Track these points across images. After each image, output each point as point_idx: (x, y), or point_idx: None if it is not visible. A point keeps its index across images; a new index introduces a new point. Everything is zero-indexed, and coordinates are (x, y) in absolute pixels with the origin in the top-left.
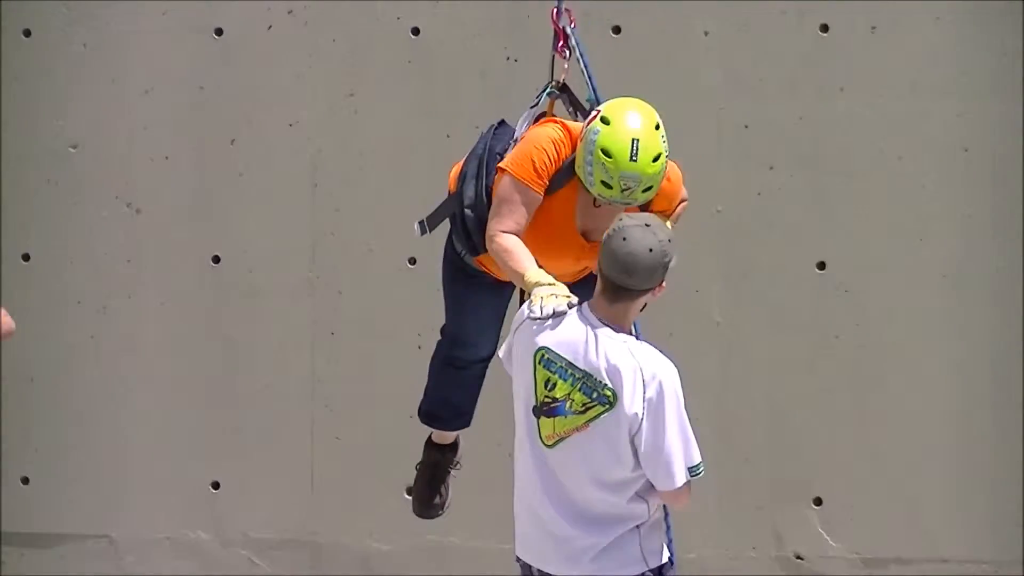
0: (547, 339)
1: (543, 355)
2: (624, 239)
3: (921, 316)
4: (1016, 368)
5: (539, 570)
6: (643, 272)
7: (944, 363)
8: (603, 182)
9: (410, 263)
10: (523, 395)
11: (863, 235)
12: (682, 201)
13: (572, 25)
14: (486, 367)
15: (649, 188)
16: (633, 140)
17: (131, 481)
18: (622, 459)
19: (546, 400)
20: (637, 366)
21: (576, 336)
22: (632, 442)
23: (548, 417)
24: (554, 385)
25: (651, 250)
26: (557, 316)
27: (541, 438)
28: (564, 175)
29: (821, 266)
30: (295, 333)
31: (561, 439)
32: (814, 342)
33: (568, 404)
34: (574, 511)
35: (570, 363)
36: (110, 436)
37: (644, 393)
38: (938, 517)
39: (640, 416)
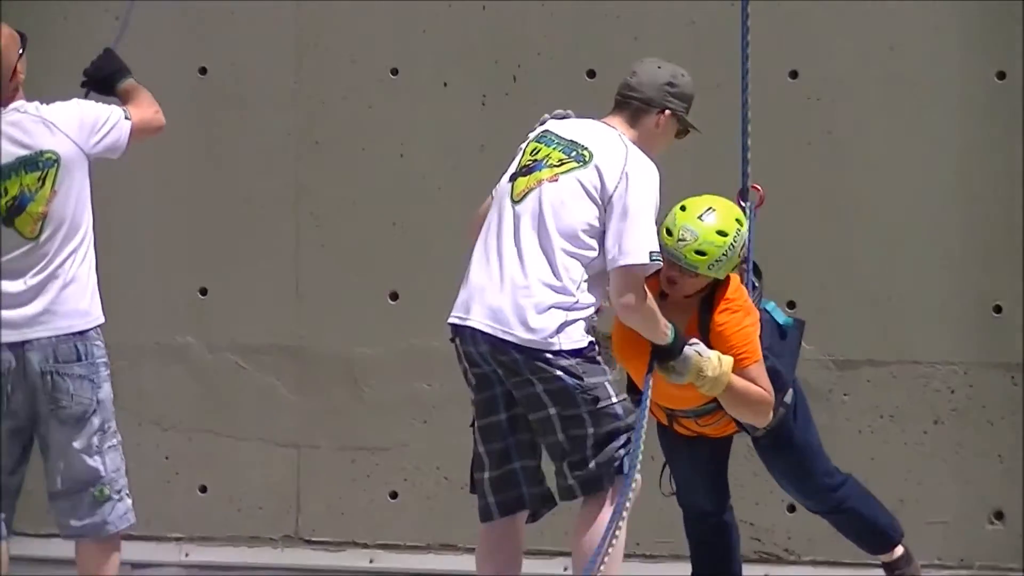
0: (550, 125)
1: (540, 134)
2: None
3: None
4: (982, 170)
5: (461, 332)
6: (645, 75)
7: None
8: (667, 228)
9: (392, 73)
10: (507, 174)
11: (834, 47)
12: (745, 359)
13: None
14: (719, 525)
15: (702, 253)
16: (709, 208)
17: (119, 289)
18: (583, 210)
19: (526, 163)
20: (624, 150)
21: (578, 123)
22: (593, 204)
23: (524, 176)
24: (537, 151)
25: (660, 68)
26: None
27: (512, 197)
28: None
29: (793, 75)
30: (279, 142)
31: (530, 191)
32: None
33: (545, 161)
34: (517, 269)
35: (559, 135)
36: (97, 244)
37: (624, 168)
38: (909, 320)
39: (614, 184)
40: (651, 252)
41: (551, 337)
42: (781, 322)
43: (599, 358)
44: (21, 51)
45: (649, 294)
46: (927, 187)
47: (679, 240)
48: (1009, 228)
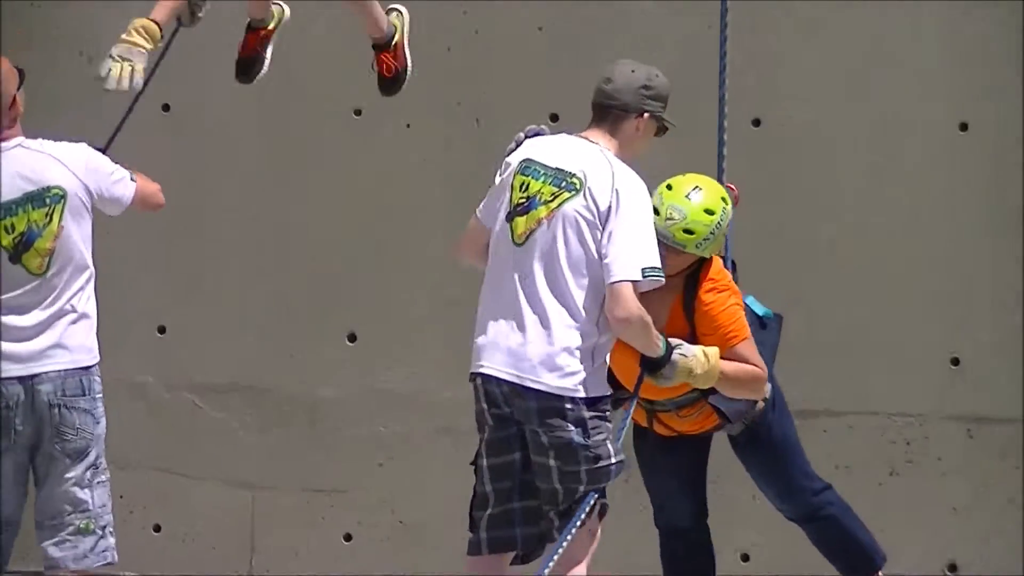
0: (530, 151)
1: (524, 165)
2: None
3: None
4: (945, 221)
5: (484, 376)
6: (621, 81)
7: None
8: (654, 208)
9: (355, 113)
10: (502, 212)
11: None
12: (734, 339)
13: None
14: (696, 544)
15: (690, 232)
16: (695, 187)
17: None
18: (586, 240)
19: (520, 201)
20: (610, 168)
21: (557, 144)
22: (594, 230)
23: (521, 216)
24: (527, 186)
25: (633, 71)
26: None
27: (513, 238)
28: None
29: (756, 123)
30: (240, 179)
31: (531, 232)
32: None
33: (539, 197)
34: (533, 313)
35: (544, 164)
36: None
37: (613, 185)
38: (869, 370)
39: (607, 204)
40: (644, 268)
41: (581, 383)
42: (760, 313)
43: (609, 412)
44: (20, 86)
45: (643, 310)
46: (891, 236)
47: (667, 219)
48: (969, 280)
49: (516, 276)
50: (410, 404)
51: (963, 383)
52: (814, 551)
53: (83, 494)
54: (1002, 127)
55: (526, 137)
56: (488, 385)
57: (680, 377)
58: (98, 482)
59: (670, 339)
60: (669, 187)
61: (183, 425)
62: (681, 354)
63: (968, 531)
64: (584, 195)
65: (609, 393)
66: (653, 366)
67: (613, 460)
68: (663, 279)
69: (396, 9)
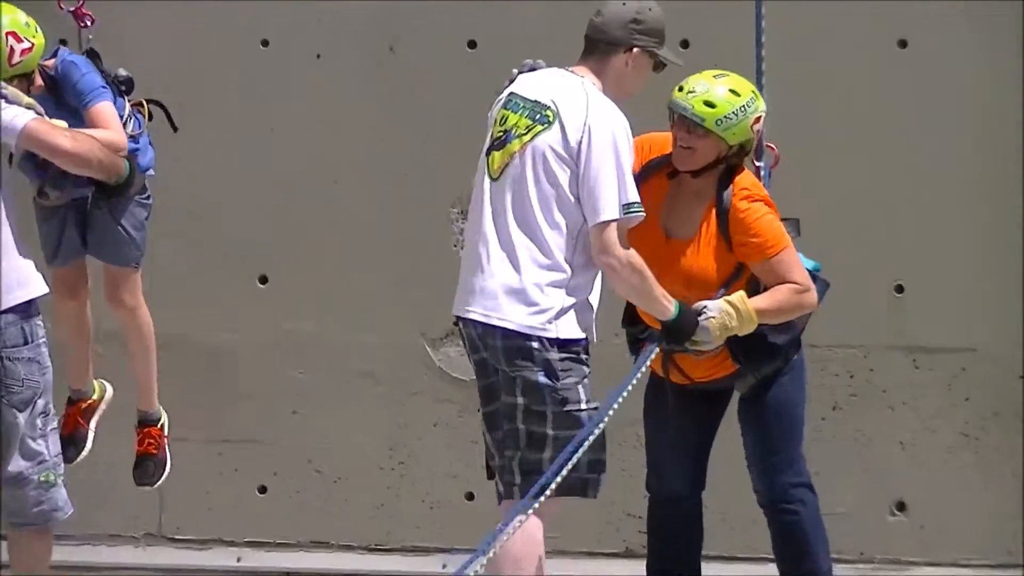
0: (517, 85)
1: (508, 98)
2: None
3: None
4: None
5: (462, 319)
6: (609, 14)
7: None
8: (679, 85)
9: (263, 44)
10: (484, 147)
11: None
12: (772, 248)
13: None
14: (691, 512)
15: (711, 105)
16: (724, 74)
17: None
18: (558, 176)
19: (498, 135)
20: (585, 101)
21: (541, 78)
22: (564, 165)
23: (498, 149)
24: (506, 119)
25: (624, 3)
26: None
27: (490, 172)
28: (654, 165)
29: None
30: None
31: (505, 166)
32: None
33: (514, 130)
34: (501, 250)
35: (524, 97)
36: None
37: (586, 119)
38: None
39: (578, 139)
40: (623, 205)
41: (549, 322)
42: (810, 268)
43: (584, 356)
44: None
45: (633, 253)
46: (829, 162)
47: (689, 92)
48: (914, 206)
49: (490, 212)
50: (325, 349)
51: (908, 311)
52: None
53: (37, 445)
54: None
55: (518, 73)
56: (467, 328)
57: (719, 338)
58: (51, 429)
59: (695, 307)
60: (699, 72)
61: None
62: (709, 317)
63: (917, 467)
64: (556, 129)
65: (583, 337)
66: (675, 334)
67: (584, 406)
68: (643, 213)
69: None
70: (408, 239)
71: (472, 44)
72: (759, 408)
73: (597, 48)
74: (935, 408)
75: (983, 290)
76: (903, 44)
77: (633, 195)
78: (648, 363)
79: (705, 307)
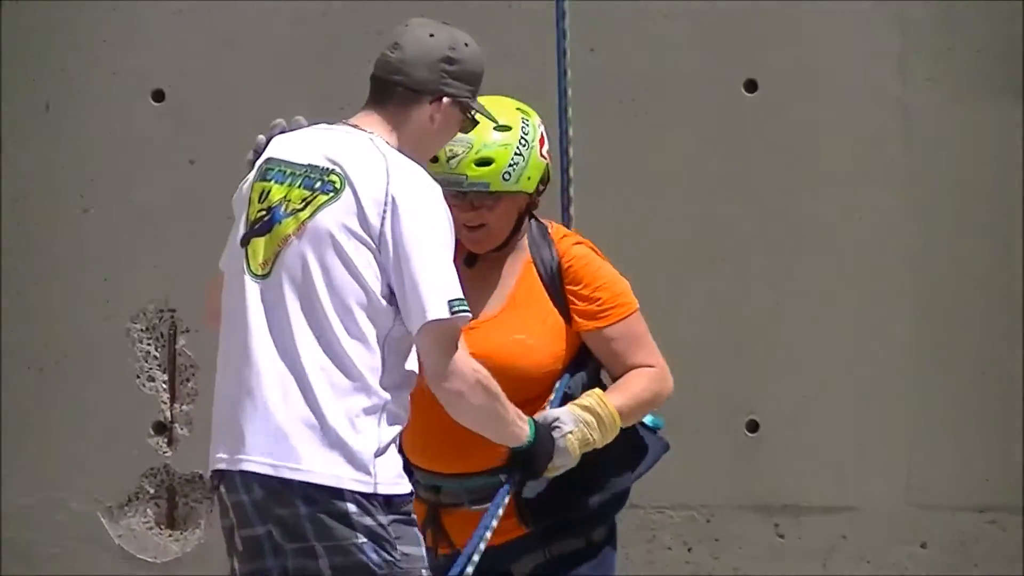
0: (274, 150)
1: (266, 168)
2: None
3: None
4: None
5: (224, 474)
6: (412, 49)
7: None
8: (434, 157)
9: None
10: (237, 236)
11: None
12: (623, 308)
13: None
14: None
15: (487, 163)
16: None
17: None
18: (354, 261)
19: (258, 216)
20: (383, 163)
21: (311, 136)
22: (363, 247)
23: (261, 235)
24: (267, 193)
25: (432, 35)
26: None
27: (252, 268)
28: None
29: None
30: None
31: (276, 256)
32: None
33: (283, 206)
34: (289, 373)
35: (291, 162)
36: None
37: (387, 190)
38: None
39: (380, 214)
40: (450, 301)
41: (365, 472)
42: (649, 423)
43: (414, 515)
44: None
45: (477, 363)
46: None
47: (449, 159)
48: None
49: (260, 322)
50: None
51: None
52: None
53: None
54: None
55: (267, 138)
56: (233, 495)
57: (580, 451)
58: None
59: (534, 417)
60: None
61: None
62: (565, 433)
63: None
64: (347, 198)
65: (410, 491)
66: (534, 462)
67: None
68: (470, 314)
69: None
70: None
71: None
72: None
73: (393, 93)
74: None
75: None
76: None
77: (456, 289)
78: (498, 515)
79: (557, 419)
